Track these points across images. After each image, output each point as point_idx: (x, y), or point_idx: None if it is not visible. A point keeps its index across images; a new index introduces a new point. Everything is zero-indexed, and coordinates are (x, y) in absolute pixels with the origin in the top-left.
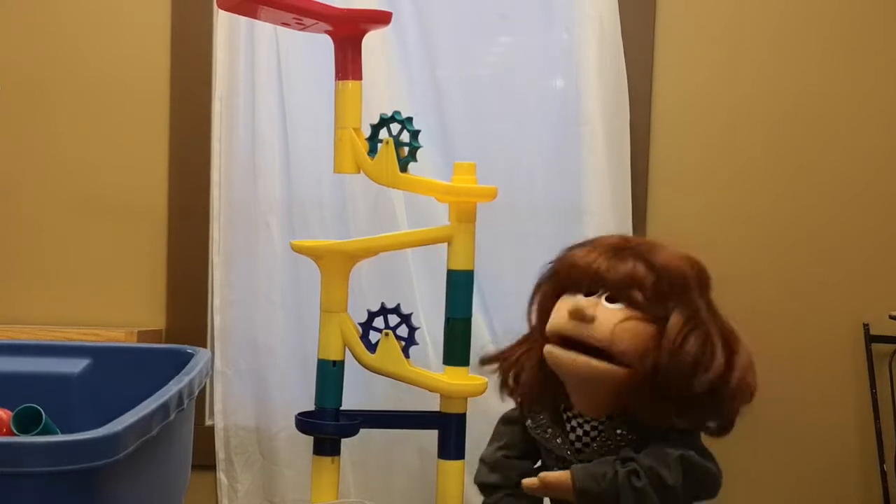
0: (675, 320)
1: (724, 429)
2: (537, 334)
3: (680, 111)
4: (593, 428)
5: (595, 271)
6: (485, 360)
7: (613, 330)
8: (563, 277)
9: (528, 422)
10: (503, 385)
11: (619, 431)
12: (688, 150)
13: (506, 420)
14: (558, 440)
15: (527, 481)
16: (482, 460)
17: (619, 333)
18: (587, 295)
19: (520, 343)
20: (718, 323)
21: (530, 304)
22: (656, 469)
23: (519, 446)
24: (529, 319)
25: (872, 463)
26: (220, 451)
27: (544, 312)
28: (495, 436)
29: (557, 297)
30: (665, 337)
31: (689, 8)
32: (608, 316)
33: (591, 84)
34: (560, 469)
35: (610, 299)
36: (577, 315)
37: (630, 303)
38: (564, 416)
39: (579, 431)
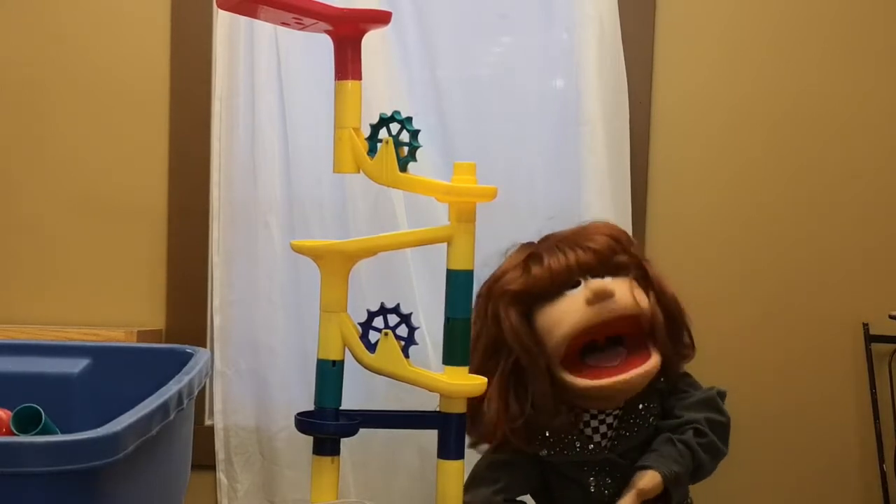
0: (653, 270)
1: (693, 349)
2: (533, 358)
3: (680, 111)
4: (615, 417)
5: (577, 262)
6: (475, 444)
7: (632, 293)
8: (542, 290)
9: (543, 453)
10: (501, 445)
11: (641, 406)
12: (688, 150)
13: (495, 464)
14: (589, 447)
15: (622, 502)
16: None
17: (638, 294)
18: (572, 288)
19: (492, 393)
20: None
21: (513, 332)
22: (711, 417)
23: (515, 488)
24: (507, 353)
25: (872, 463)
26: (219, 450)
27: (529, 335)
28: (484, 480)
29: (527, 314)
30: (657, 282)
31: (689, 8)
32: (618, 285)
33: (591, 84)
34: (596, 474)
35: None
36: (600, 296)
37: (616, 270)
38: (582, 424)
39: (603, 428)
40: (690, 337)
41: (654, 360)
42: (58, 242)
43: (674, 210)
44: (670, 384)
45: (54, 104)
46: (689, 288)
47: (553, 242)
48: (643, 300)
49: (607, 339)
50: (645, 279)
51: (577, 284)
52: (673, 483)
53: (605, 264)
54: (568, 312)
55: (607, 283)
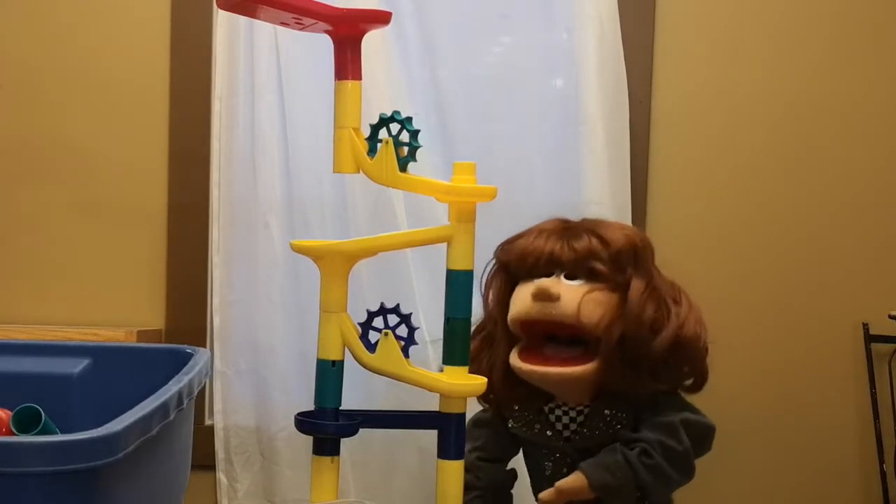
0: (636, 286)
1: (698, 384)
2: (500, 328)
3: (680, 111)
4: (579, 413)
5: (550, 252)
6: None
7: (580, 304)
8: (516, 267)
9: (510, 423)
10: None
11: (607, 412)
12: (687, 150)
13: (479, 423)
14: (548, 433)
15: (545, 494)
16: None
17: (586, 306)
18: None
19: (477, 344)
20: (666, 285)
21: (485, 298)
22: (664, 441)
23: (492, 449)
24: (488, 315)
25: (872, 463)
26: (219, 450)
27: (502, 305)
28: (468, 437)
29: (511, 288)
30: (629, 303)
31: (689, 8)
32: (572, 292)
33: (590, 84)
34: (554, 461)
35: (569, 277)
36: (542, 295)
37: (590, 276)
38: (547, 408)
39: (565, 419)
40: (666, 376)
41: (587, 368)
42: (58, 242)
43: (674, 210)
44: (646, 400)
45: (54, 104)
46: (689, 287)
47: (567, 226)
48: (590, 315)
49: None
50: (623, 295)
51: (549, 275)
52: (601, 491)
53: (579, 265)
54: (520, 299)
55: (556, 285)
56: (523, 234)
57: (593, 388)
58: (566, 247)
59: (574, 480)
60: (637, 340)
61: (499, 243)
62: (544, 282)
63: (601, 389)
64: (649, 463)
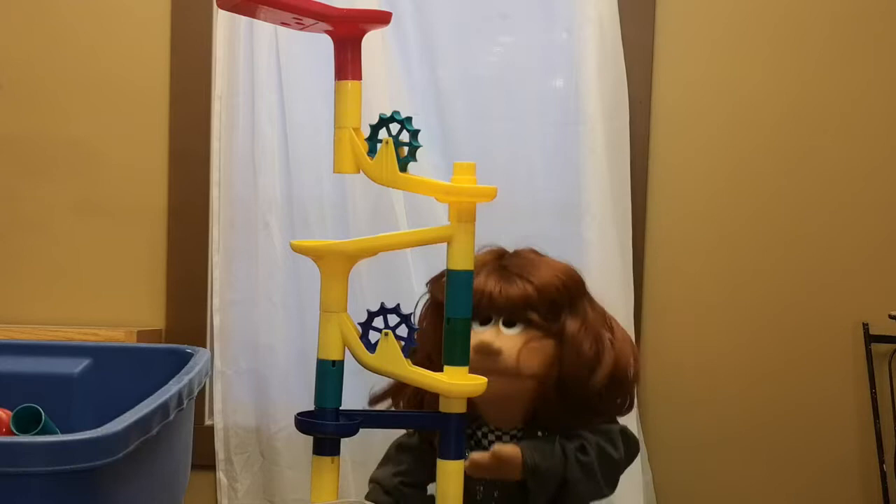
0: (570, 329)
1: (629, 407)
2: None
3: (680, 111)
4: (512, 437)
5: (489, 296)
6: (375, 399)
7: (519, 357)
8: None
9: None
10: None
11: (540, 434)
12: (687, 150)
13: (403, 447)
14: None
15: (476, 454)
16: (377, 482)
17: (525, 358)
18: (483, 321)
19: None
20: (598, 315)
21: (420, 334)
22: (603, 445)
23: (415, 474)
24: (421, 349)
25: (872, 463)
26: (219, 450)
27: (437, 341)
28: (390, 460)
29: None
30: (565, 345)
31: (689, 8)
32: (511, 344)
33: (590, 84)
34: (485, 484)
35: (506, 324)
36: (484, 350)
37: (527, 323)
38: (480, 433)
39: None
40: (606, 408)
41: (526, 383)
42: (58, 242)
43: (674, 210)
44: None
45: (54, 104)
46: (689, 288)
47: (501, 263)
48: (530, 365)
49: None
50: (559, 339)
51: (487, 320)
52: (530, 471)
53: (517, 313)
54: None
55: (497, 339)
56: None
57: (529, 409)
58: (502, 294)
59: (511, 450)
60: (575, 380)
61: (427, 279)
62: (485, 336)
63: (535, 413)
64: (583, 459)
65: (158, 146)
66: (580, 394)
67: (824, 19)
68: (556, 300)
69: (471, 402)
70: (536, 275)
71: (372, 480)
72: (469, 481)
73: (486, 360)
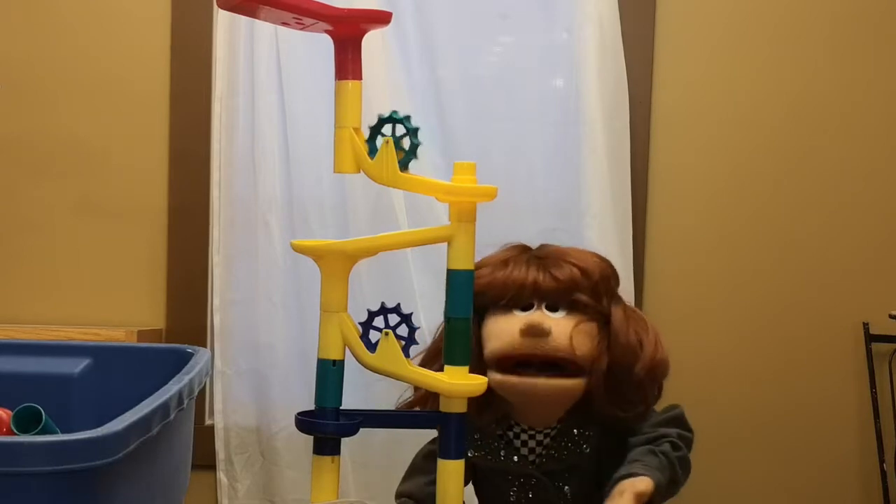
0: (617, 315)
1: (659, 397)
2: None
3: (680, 111)
4: (546, 436)
5: (534, 283)
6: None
7: (571, 337)
8: (492, 298)
9: (470, 452)
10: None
11: (576, 431)
12: (688, 150)
13: (430, 455)
14: (514, 458)
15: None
16: (408, 495)
17: (578, 339)
18: (524, 309)
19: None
20: (632, 309)
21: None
22: (682, 433)
23: None
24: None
25: (872, 463)
26: (220, 450)
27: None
28: (419, 470)
29: (483, 311)
30: (614, 333)
31: (689, 8)
32: (561, 325)
33: (591, 84)
34: (519, 486)
35: (549, 308)
36: (534, 331)
37: (571, 308)
38: (511, 434)
39: (532, 444)
40: (644, 397)
41: (574, 383)
42: (58, 242)
43: (674, 210)
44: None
45: (54, 104)
46: (690, 288)
47: (534, 254)
48: (581, 346)
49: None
50: (606, 324)
51: (529, 306)
52: (661, 495)
53: (563, 296)
54: (505, 332)
55: (547, 319)
56: (485, 264)
57: (570, 408)
58: (548, 277)
59: (643, 484)
60: (623, 367)
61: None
62: (533, 317)
63: (572, 410)
64: (680, 455)
65: (159, 146)
66: (626, 382)
67: (824, 19)
68: (598, 283)
69: (508, 401)
70: (579, 258)
71: (401, 495)
72: (503, 482)
73: (537, 341)
